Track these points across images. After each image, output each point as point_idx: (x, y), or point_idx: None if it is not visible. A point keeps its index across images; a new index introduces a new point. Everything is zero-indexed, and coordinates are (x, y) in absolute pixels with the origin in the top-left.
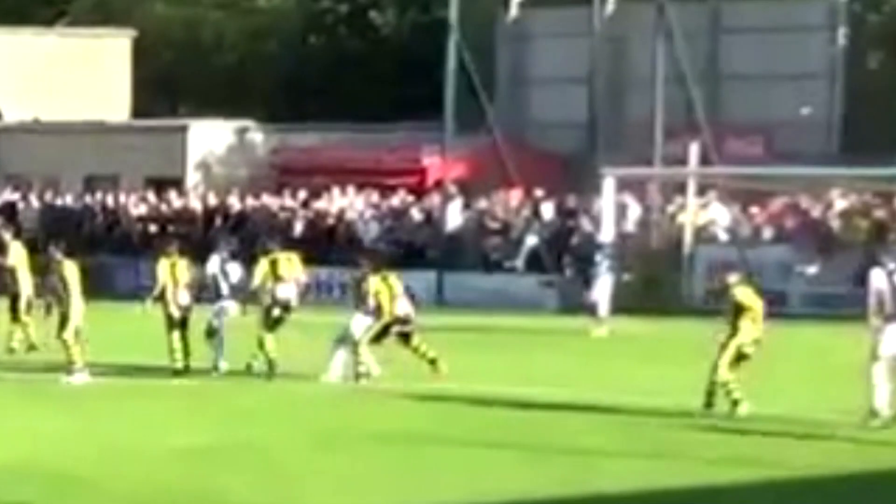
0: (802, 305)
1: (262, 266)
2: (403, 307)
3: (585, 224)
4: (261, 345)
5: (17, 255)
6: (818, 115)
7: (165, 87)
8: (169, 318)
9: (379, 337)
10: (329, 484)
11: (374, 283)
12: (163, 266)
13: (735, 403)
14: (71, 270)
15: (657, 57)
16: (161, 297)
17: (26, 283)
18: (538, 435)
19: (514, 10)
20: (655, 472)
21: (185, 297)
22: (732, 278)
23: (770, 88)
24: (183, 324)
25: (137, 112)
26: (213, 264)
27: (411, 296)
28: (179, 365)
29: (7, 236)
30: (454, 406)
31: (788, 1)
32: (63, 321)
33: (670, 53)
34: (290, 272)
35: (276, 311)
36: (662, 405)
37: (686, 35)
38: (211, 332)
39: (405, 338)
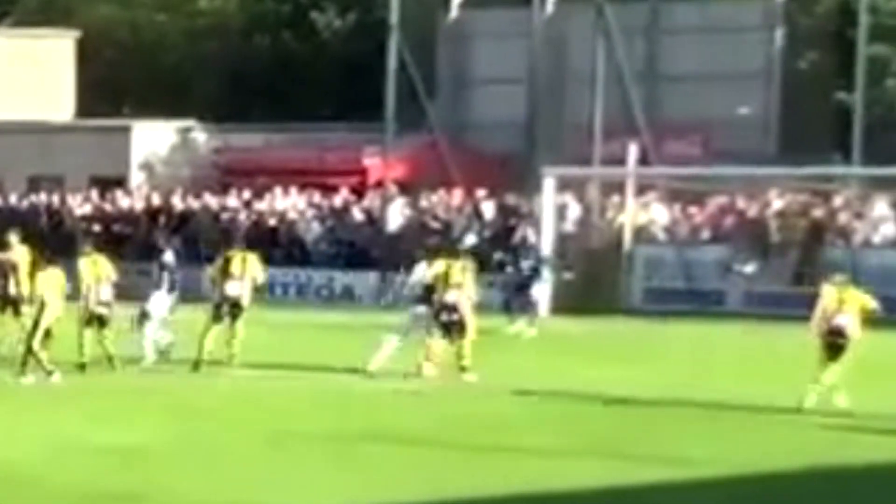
0: (740, 304)
1: (217, 263)
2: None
3: (527, 223)
4: (202, 337)
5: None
6: (755, 115)
7: (109, 87)
8: (86, 313)
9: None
10: (271, 481)
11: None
12: (84, 265)
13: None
14: (47, 276)
15: (596, 57)
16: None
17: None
18: (483, 434)
19: (454, 11)
20: (597, 471)
21: (106, 293)
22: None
23: (708, 88)
24: (101, 320)
25: (81, 112)
26: (169, 257)
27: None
28: (86, 359)
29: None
30: (401, 404)
31: (726, 1)
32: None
33: (609, 54)
34: (242, 271)
35: (225, 308)
36: (603, 404)
37: (625, 35)
38: (144, 316)
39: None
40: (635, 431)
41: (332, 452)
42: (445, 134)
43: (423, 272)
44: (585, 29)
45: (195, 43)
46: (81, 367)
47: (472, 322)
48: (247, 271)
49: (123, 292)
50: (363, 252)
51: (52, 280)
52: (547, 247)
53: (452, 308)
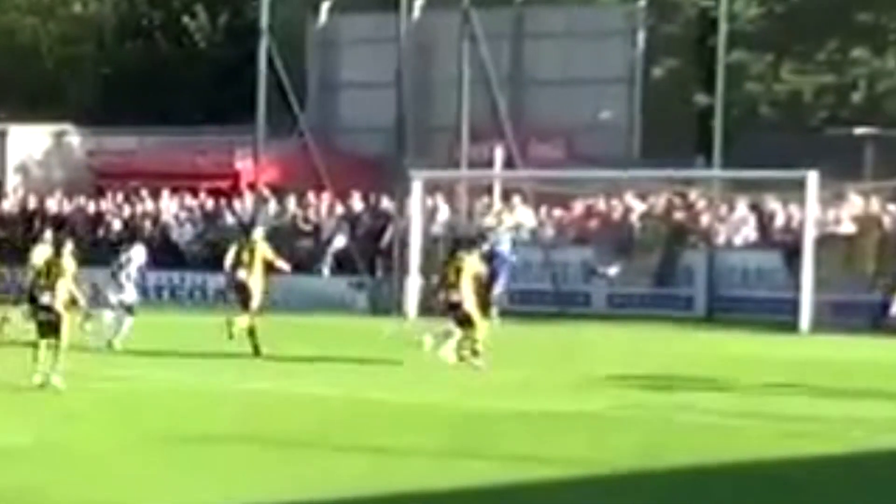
0: (605, 306)
1: (231, 252)
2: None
3: (396, 225)
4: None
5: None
6: (618, 119)
7: None
8: None
9: None
10: (146, 483)
11: None
12: None
13: None
14: None
15: (463, 62)
16: None
17: None
18: (349, 434)
19: (323, 17)
20: (460, 471)
21: None
22: None
23: (571, 93)
24: None
25: None
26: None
27: None
28: None
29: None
30: (266, 405)
31: (588, 6)
32: None
33: (475, 58)
34: (251, 259)
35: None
36: (469, 404)
37: (490, 40)
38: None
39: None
40: (502, 432)
41: (204, 453)
42: (315, 137)
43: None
44: (452, 34)
45: (69, 47)
46: None
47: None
48: (255, 259)
49: None
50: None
51: None
52: (416, 249)
53: (457, 305)
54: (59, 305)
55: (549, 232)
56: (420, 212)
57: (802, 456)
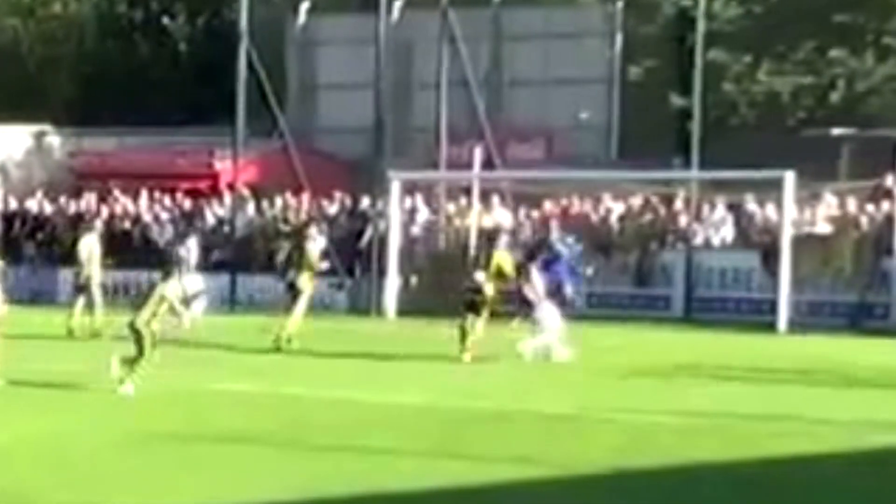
0: (583, 306)
1: (284, 251)
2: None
3: (375, 226)
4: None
5: None
6: (597, 120)
7: None
8: None
9: None
10: (126, 483)
11: None
12: None
13: None
14: None
15: (441, 63)
16: None
17: None
18: (331, 435)
19: (302, 18)
20: (441, 471)
21: None
22: None
23: (550, 93)
24: None
25: None
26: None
27: None
28: None
29: None
30: (248, 405)
31: (567, 7)
32: None
33: (454, 59)
34: (299, 259)
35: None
36: (450, 404)
37: (469, 41)
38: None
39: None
40: (483, 432)
41: (187, 453)
42: (295, 138)
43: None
44: (430, 35)
45: (49, 47)
46: None
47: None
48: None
49: None
50: (212, 255)
51: None
52: (394, 250)
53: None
54: None
55: (528, 232)
56: (399, 213)
57: (782, 455)
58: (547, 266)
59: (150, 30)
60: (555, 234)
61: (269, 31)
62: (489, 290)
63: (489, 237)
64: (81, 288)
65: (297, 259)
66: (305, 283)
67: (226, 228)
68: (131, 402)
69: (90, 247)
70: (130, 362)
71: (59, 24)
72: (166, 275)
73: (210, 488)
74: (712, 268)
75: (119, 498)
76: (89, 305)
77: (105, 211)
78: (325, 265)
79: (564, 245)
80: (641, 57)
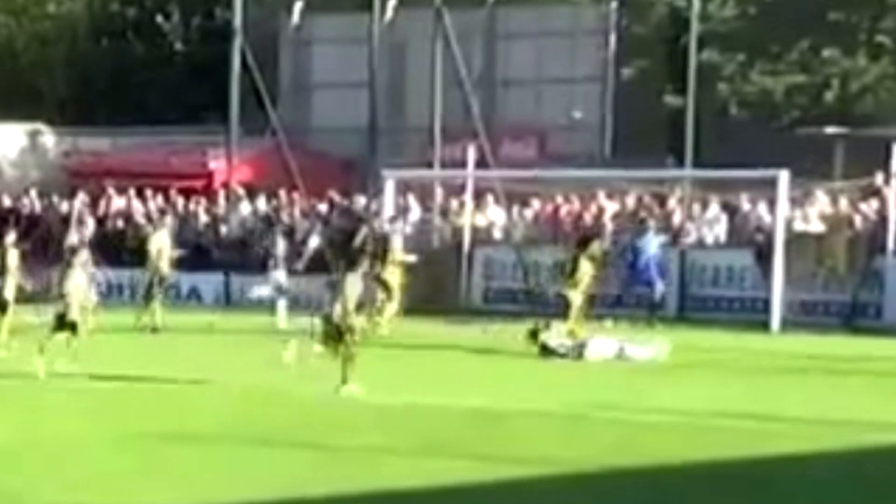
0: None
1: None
2: None
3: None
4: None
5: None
6: (590, 119)
7: None
8: None
9: None
10: (120, 483)
11: None
12: None
13: None
14: None
15: (435, 62)
16: None
17: None
18: (323, 434)
19: (296, 17)
20: (433, 470)
21: None
22: None
23: (543, 92)
24: None
25: None
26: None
27: None
28: None
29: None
30: (240, 404)
31: (560, 6)
32: None
33: (448, 58)
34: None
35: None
36: (441, 403)
37: (463, 40)
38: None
39: None
40: (475, 431)
41: (180, 453)
42: (288, 138)
43: None
44: (424, 34)
45: (43, 46)
46: None
47: None
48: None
49: None
50: (206, 254)
51: None
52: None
53: None
54: None
55: (521, 231)
56: (392, 212)
57: (774, 454)
58: (634, 265)
59: (144, 29)
60: (650, 234)
61: (262, 30)
62: (575, 298)
63: (579, 243)
64: (151, 284)
65: (381, 254)
66: (392, 276)
67: (223, 228)
68: (123, 401)
69: (160, 243)
70: (346, 361)
71: (53, 23)
72: (351, 265)
73: (202, 488)
74: (706, 266)
75: (116, 498)
76: (147, 299)
77: (101, 209)
78: (411, 257)
79: (658, 245)
80: (635, 57)
